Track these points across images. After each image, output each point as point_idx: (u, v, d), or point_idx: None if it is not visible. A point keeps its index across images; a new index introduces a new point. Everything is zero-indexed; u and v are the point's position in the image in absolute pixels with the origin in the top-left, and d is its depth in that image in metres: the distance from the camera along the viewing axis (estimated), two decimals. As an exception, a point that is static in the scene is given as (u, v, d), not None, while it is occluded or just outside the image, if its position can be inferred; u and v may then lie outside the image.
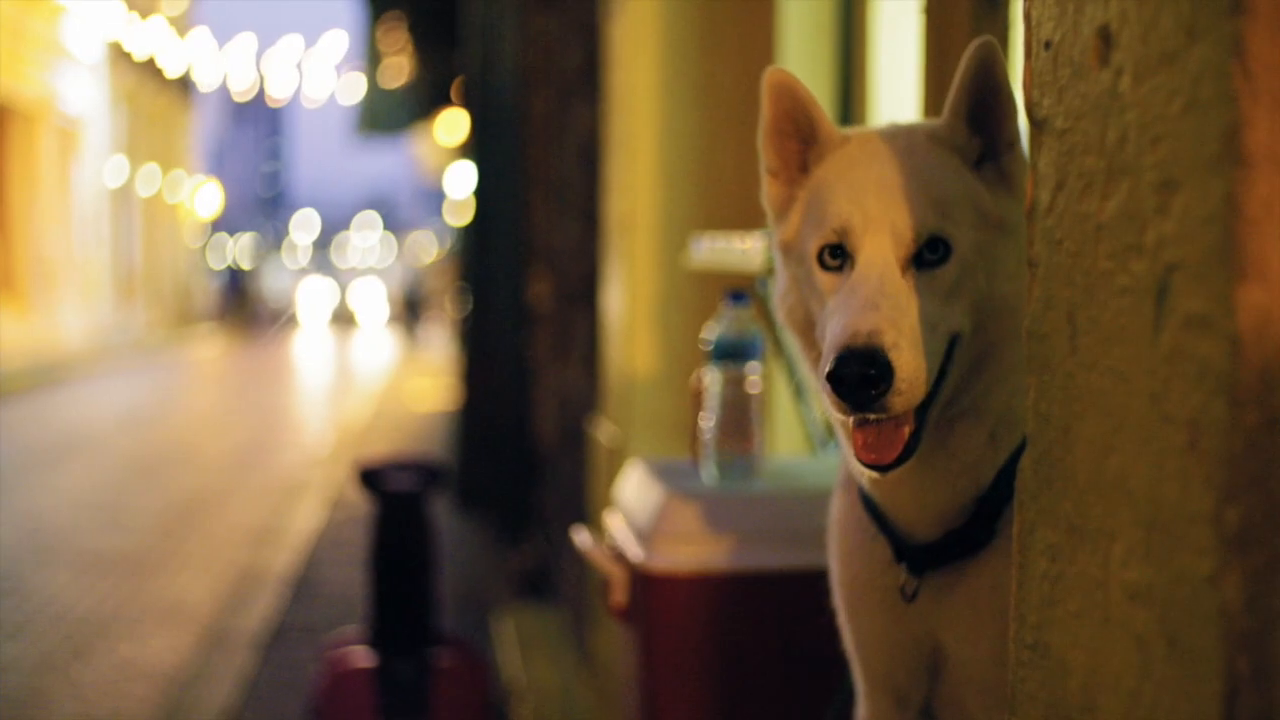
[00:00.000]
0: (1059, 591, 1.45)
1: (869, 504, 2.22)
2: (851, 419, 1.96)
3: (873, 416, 1.92)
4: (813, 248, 2.05)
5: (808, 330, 2.11)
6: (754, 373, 3.26)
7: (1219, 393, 1.16)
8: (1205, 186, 1.17)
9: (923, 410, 1.96)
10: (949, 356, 1.98)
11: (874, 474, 1.99)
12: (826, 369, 1.86)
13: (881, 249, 1.97)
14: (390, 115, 23.07)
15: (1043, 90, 1.47)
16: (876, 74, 3.94)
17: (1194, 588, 1.19)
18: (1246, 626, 1.15)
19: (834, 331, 1.90)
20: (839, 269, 2.01)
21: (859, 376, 1.85)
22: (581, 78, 6.89)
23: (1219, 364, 1.16)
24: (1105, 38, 1.33)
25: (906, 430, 1.95)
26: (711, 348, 3.23)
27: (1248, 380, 1.14)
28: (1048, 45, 1.46)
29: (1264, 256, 1.14)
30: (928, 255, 1.98)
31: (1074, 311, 1.41)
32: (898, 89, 3.83)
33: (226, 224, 73.03)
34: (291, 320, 52.24)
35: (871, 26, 3.96)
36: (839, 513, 2.34)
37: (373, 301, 57.77)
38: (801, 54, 4.14)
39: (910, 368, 1.87)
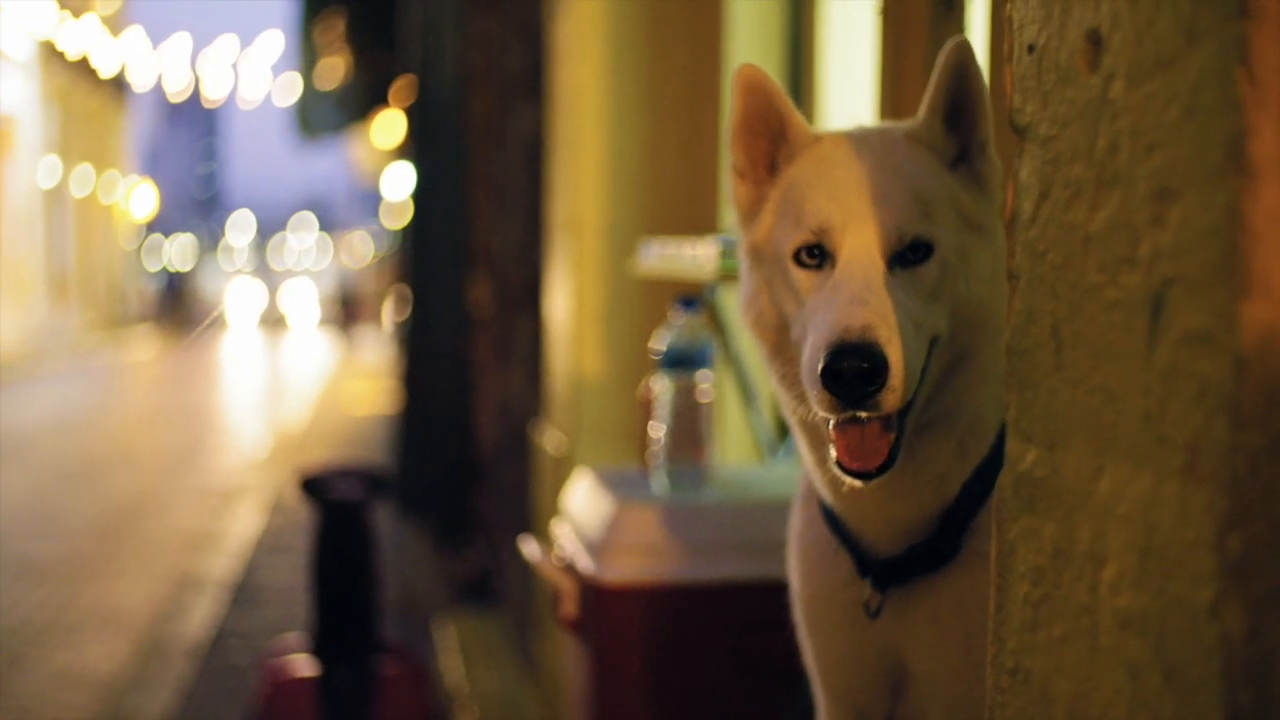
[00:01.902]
0: (1042, 616, 1.40)
1: (831, 518, 2.17)
2: (832, 425, 1.91)
3: (864, 415, 1.86)
4: (789, 248, 1.99)
5: (780, 335, 2.05)
6: (705, 381, 3.22)
7: (1220, 413, 1.11)
8: (1206, 197, 1.12)
9: (902, 416, 1.91)
10: (927, 359, 1.93)
11: (856, 482, 1.93)
12: (820, 365, 1.81)
13: (865, 245, 1.92)
14: (327, 116, 22.90)
15: (1025, 96, 1.42)
16: (826, 76, 3.90)
17: (1192, 617, 1.14)
18: (1248, 658, 1.11)
19: (822, 328, 1.85)
20: (818, 267, 1.96)
21: (856, 371, 1.80)
22: (524, 79, 6.82)
23: (1220, 383, 1.11)
24: (1095, 41, 1.28)
25: (892, 436, 1.90)
26: (662, 356, 3.19)
27: (1251, 401, 1.09)
28: (1031, 49, 1.41)
29: (1269, 271, 1.09)
30: (909, 255, 1.93)
31: (1058, 326, 1.36)
32: (849, 91, 3.79)
33: (162, 225, 72.44)
34: (219, 322, 51.80)
35: (821, 29, 3.92)
36: (799, 526, 2.29)
37: (304, 303, 57.43)
38: (751, 55, 4.09)
39: (901, 364, 1.82)
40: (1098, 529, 1.29)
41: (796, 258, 1.98)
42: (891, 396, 1.82)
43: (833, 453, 1.93)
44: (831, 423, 1.92)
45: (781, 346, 2.06)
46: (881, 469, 1.91)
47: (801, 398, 1.95)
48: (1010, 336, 1.47)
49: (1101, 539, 1.28)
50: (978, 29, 2.84)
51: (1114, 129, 1.26)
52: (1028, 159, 1.42)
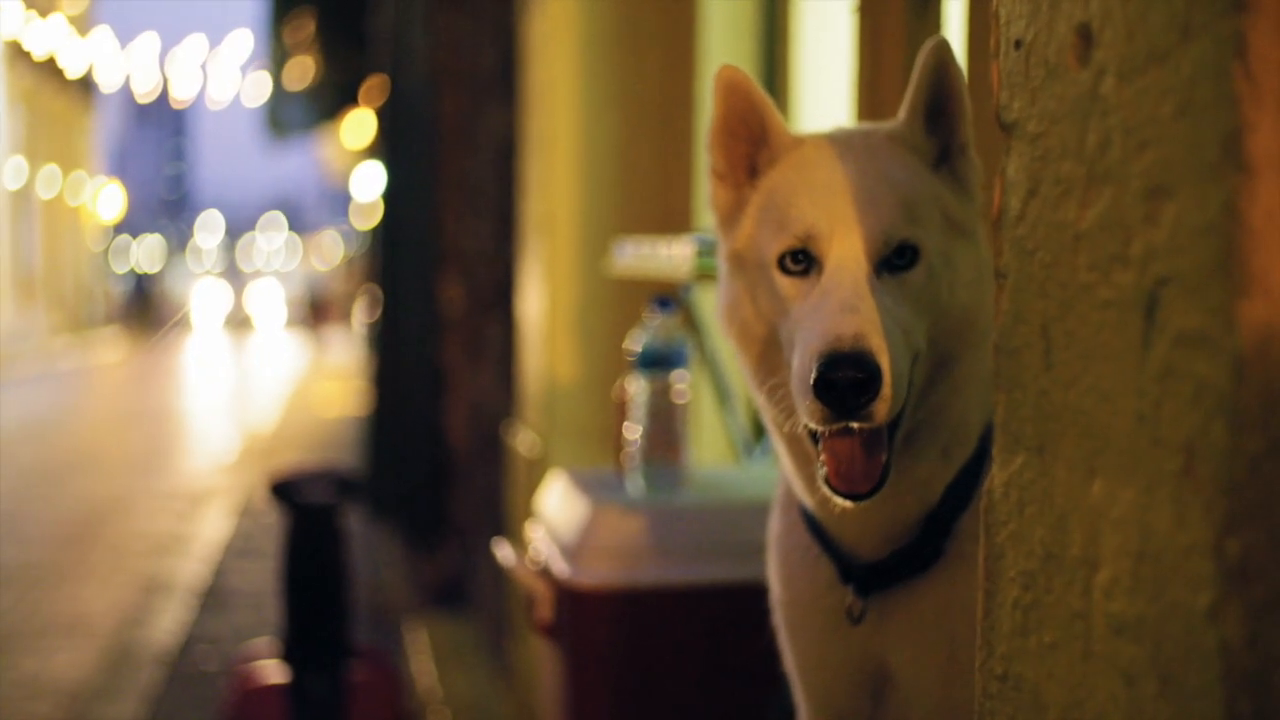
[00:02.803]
0: (1033, 621, 1.37)
1: (812, 523, 2.14)
2: (822, 441, 1.88)
3: (856, 425, 1.83)
4: (772, 254, 1.96)
5: (766, 346, 2.01)
6: (681, 381, 3.19)
7: (1218, 415, 1.09)
8: (1202, 195, 1.10)
9: (891, 430, 1.88)
10: (910, 370, 1.90)
11: (847, 503, 1.90)
12: (812, 376, 1.78)
13: (852, 251, 1.89)
14: (296, 116, 22.85)
15: (1013, 92, 1.40)
16: (801, 76, 3.88)
17: (1190, 622, 1.12)
18: (1248, 664, 1.08)
19: (812, 338, 1.82)
20: (803, 274, 1.93)
21: (850, 381, 1.77)
22: (495, 78, 6.79)
23: (1218, 384, 1.09)
24: (1085, 36, 1.25)
25: (882, 457, 1.87)
26: (637, 356, 3.16)
27: (1249, 402, 1.07)
28: (1018, 44, 1.38)
29: (1267, 270, 1.06)
30: (895, 260, 1.90)
31: (1048, 325, 1.34)
32: (824, 91, 3.78)
33: (130, 226, 72.16)
34: (184, 323, 51.55)
35: (796, 28, 3.90)
36: (779, 531, 2.26)
37: (270, 304, 57.26)
38: (725, 53, 4.07)
39: (892, 373, 1.80)
40: (1090, 533, 1.26)
41: (780, 264, 1.95)
42: (883, 406, 1.79)
43: (822, 471, 1.90)
44: (821, 438, 1.89)
45: (767, 357, 2.02)
46: (873, 490, 1.89)
47: (788, 411, 1.92)
48: (999, 336, 1.44)
49: (1094, 543, 1.25)
50: (955, 27, 2.82)
51: (1105, 125, 1.23)
52: (1015, 156, 1.39)
